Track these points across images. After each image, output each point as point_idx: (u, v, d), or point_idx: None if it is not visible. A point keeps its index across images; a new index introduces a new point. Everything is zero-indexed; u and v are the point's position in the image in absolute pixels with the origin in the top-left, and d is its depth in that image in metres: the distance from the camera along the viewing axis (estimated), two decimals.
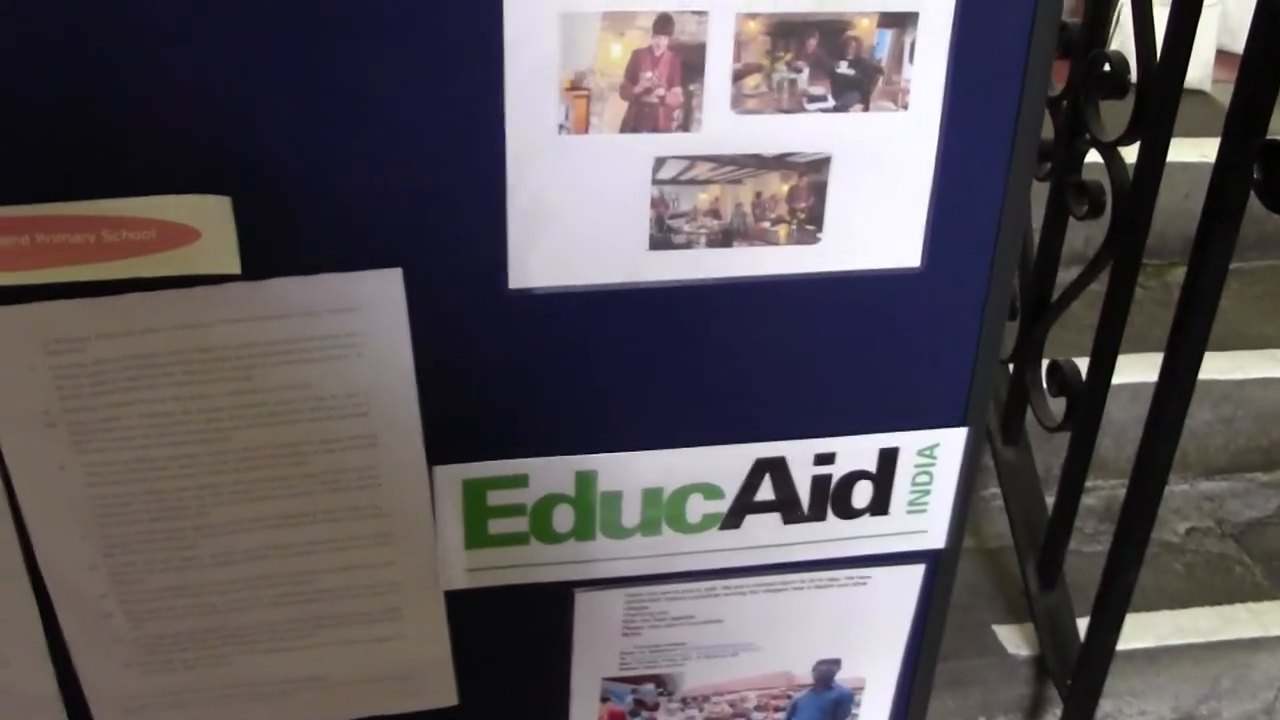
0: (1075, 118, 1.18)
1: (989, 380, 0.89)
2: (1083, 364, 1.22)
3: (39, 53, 0.70)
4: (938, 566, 0.96)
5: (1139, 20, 1.05)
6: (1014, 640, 1.35)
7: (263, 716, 0.94)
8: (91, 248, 0.76)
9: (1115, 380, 1.19)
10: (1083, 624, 1.28)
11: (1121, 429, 1.50)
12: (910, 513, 0.93)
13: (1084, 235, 1.52)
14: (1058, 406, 1.27)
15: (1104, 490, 1.57)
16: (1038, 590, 1.34)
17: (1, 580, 0.86)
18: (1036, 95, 0.79)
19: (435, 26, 0.72)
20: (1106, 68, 1.13)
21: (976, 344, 0.87)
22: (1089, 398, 1.21)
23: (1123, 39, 1.23)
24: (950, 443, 0.90)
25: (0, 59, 0.70)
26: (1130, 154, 1.12)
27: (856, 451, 0.90)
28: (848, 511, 0.92)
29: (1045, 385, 1.28)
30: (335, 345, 0.80)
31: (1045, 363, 1.29)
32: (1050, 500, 1.34)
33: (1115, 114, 1.14)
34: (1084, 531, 1.48)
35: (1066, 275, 1.32)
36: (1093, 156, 1.19)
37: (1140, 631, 1.36)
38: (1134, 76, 1.09)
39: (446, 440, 0.85)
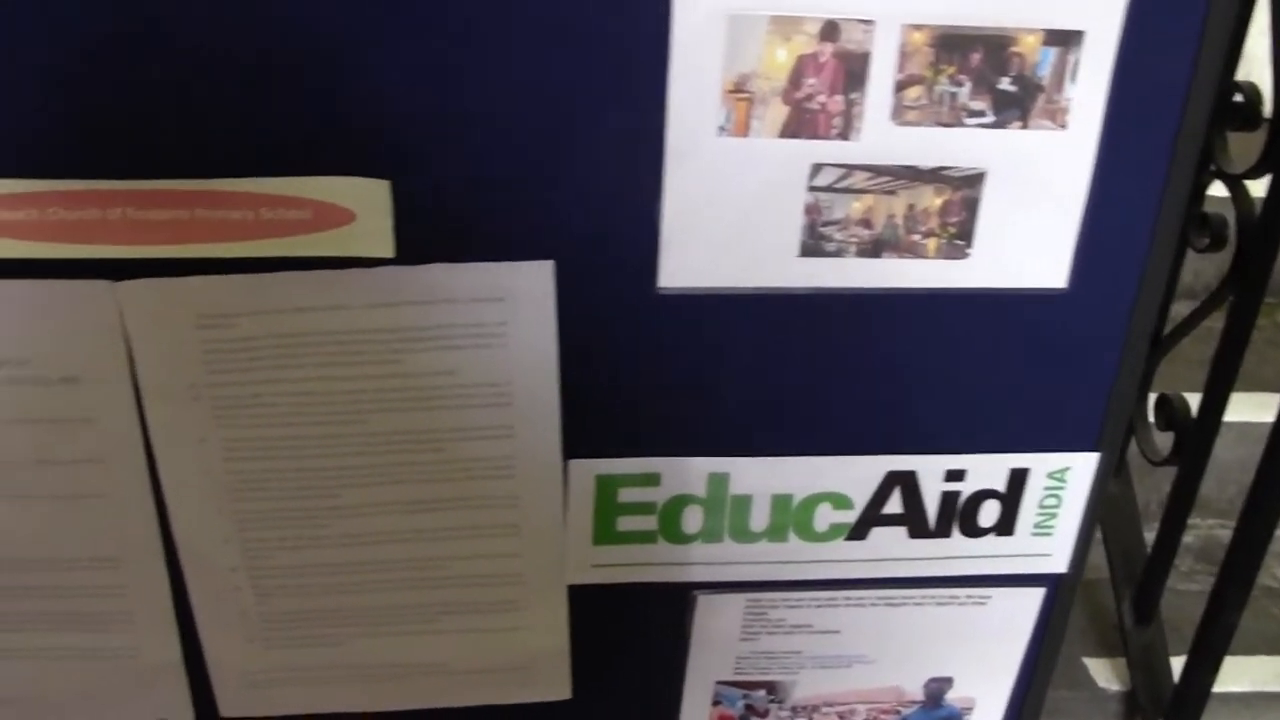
0: (1202, 148, 1.17)
1: (1125, 407, 0.88)
2: (1190, 399, 1.21)
3: (210, 33, 0.71)
4: (1057, 591, 0.95)
5: (1279, 52, 1.04)
6: (1105, 674, 1.34)
7: (378, 699, 0.95)
8: (249, 225, 0.77)
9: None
10: (1176, 663, 1.27)
11: (1225, 468, 1.48)
12: (1035, 535, 0.92)
13: (1193, 269, 1.51)
14: (1163, 441, 1.26)
15: (1202, 529, 1.55)
16: (1132, 625, 1.32)
17: (137, 548, 0.88)
18: (1196, 121, 0.79)
19: (604, 22, 0.73)
20: (1239, 98, 1.11)
21: (1116, 369, 0.86)
22: (1198, 434, 1.20)
23: (1246, 68, 1.22)
24: (1081, 467, 0.90)
25: (168, 40, 0.71)
26: (1256, 188, 1.11)
27: (987, 470, 0.89)
28: (973, 530, 0.91)
29: (1152, 419, 1.27)
30: (483, 334, 0.81)
31: (1153, 396, 1.28)
32: (1149, 535, 1.32)
33: (1241, 146, 1.13)
34: (1179, 569, 1.46)
35: (1174, 308, 1.31)
36: (1215, 188, 1.18)
37: (1237, 675, 1.34)
38: (1267, 109, 1.08)
39: (582, 434, 0.85)
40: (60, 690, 0.93)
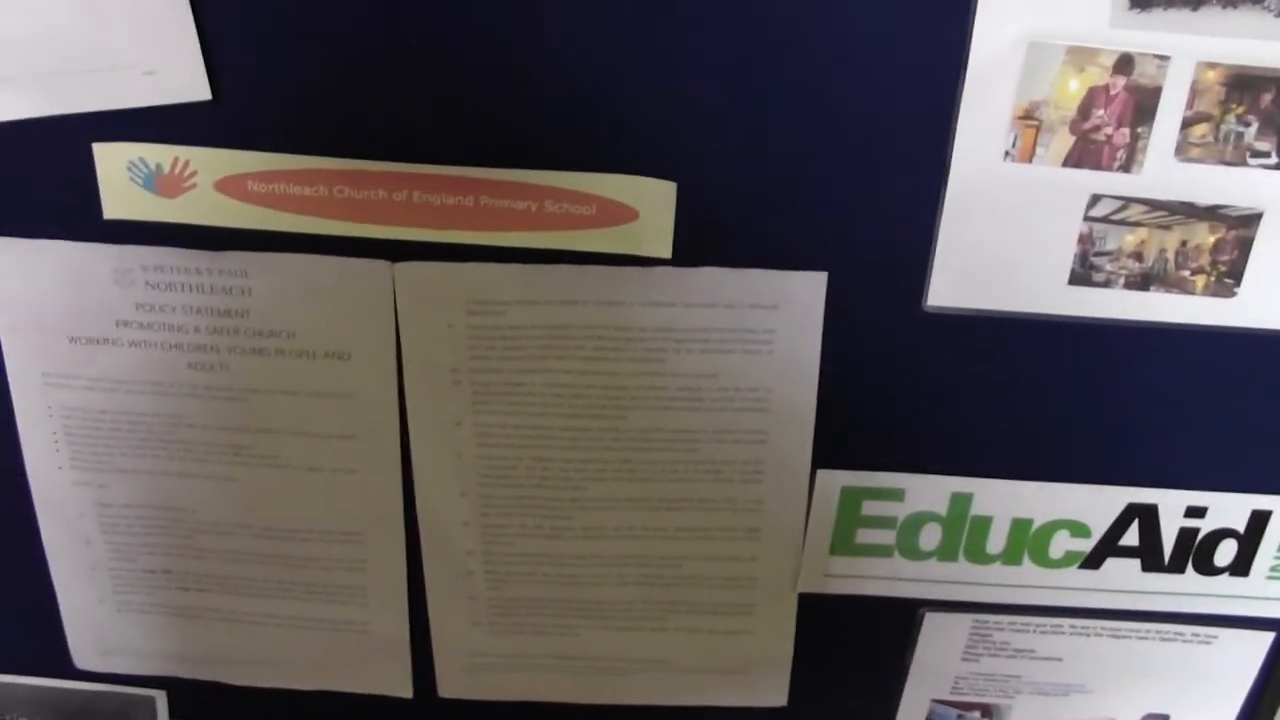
0: None
1: None
2: None
3: (506, 27, 0.74)
4: None
5: None
6: None
7: (596, 692, 0.96)
8: (531, 216, 0.79)
9: None
10: None
11: None
12: (1270, 579, 0.91)
13: None
14: None
15: None
16: None
17: (380, 524, 0.90)
18: None
19: (900, 38, 0.74)
20: None
21: None
22: None
23: None
24: None
25: (467, 31, 0.74)
26: None
27: (1228, 509, 0.89)
28: (1208, 568, 0.91)
29: None
30: (749, 340, 0.82)
31: None
32: None
33: None
34: None
35: None
36: None
37: None
38: None
39: (831, 445, 0.86)
40: (289, 656, 0.96)
